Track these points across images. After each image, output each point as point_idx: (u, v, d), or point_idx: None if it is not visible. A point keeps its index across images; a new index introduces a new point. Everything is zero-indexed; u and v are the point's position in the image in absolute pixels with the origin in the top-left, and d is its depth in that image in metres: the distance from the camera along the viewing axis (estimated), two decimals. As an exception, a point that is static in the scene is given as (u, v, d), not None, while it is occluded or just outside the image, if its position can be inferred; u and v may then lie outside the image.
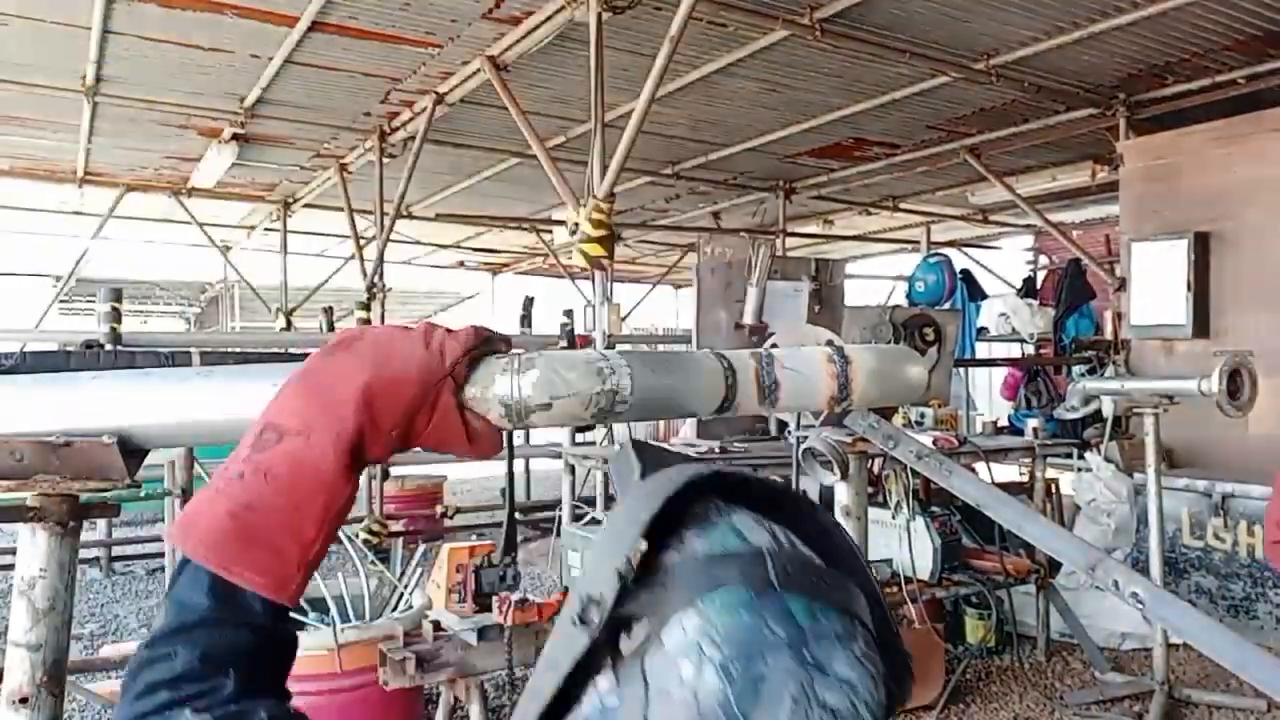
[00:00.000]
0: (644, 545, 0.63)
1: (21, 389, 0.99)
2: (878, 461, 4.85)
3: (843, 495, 1.80)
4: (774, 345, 1.19)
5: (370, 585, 3.40)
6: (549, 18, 4.64)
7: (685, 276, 14.28)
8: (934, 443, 4.58)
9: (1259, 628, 4.59)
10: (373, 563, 3.99)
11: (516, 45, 4.98)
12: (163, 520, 6.10)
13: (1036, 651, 4.73)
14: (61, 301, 11.20)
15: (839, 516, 1.83)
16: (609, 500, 5.18)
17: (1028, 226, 11.18)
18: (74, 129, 6.76)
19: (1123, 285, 6.02)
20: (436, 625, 3.03)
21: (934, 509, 5.03)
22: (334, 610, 3.20)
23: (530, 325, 8.78)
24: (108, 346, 4.12)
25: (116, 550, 7.22)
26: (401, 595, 3.48)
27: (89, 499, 1.00)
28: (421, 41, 5.13)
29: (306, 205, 9.26)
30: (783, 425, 4.84)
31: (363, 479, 6.69)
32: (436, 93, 5.87)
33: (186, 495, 2.74)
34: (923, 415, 5.34)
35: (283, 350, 7.38)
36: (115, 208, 8.79)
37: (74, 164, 7.92)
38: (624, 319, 9.48)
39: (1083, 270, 7.80)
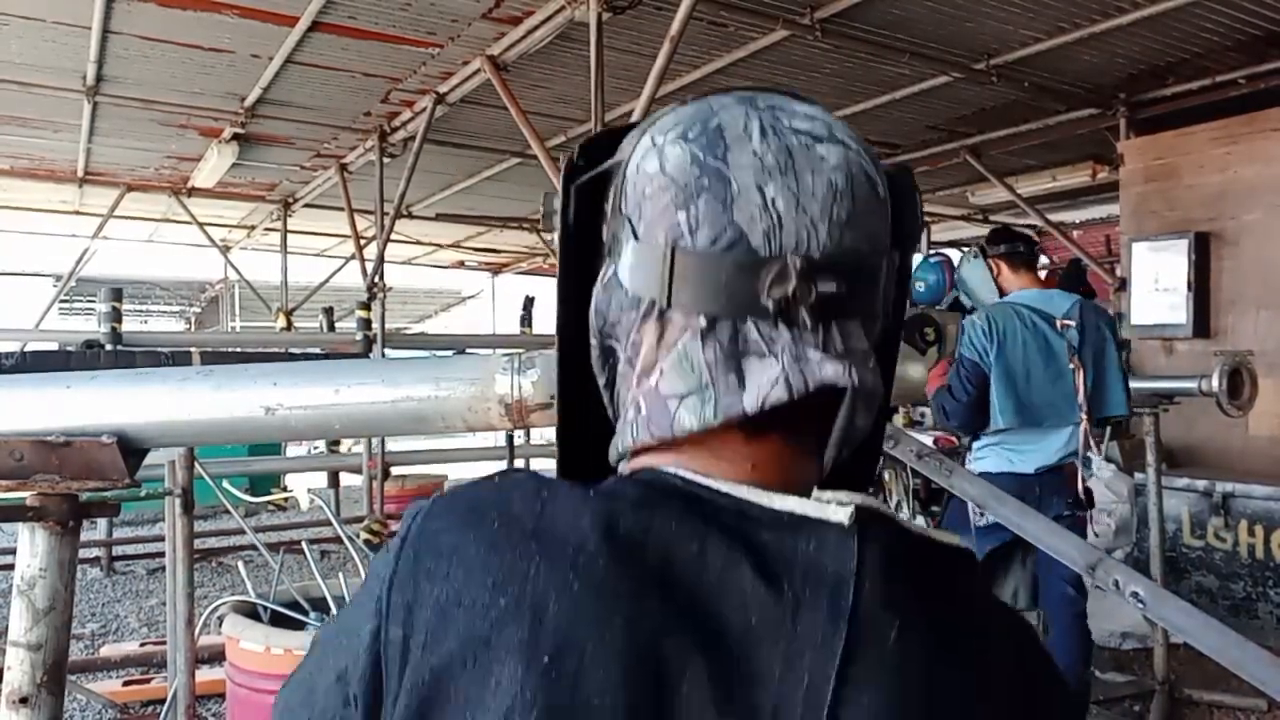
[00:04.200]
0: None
1: (21, 389, 0.99)
2: (878, 461, 4.85)
3: (843, 495, 1.81)
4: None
5: (370, 585, 3.40)
6: (549, 18, 4.63)
7: (685, 276, 14.26)
8: (934, 442, 4.58)
9: (1260, 627, 4.58)
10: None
11: (516, 45, 4.98)
12: (163, 520, 6.09)
13: (1037, 651, 4.73)
14: (61, 301, 11.20)
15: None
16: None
17: (1028, 227, 11.18)
18: (74, 129, 6.76)
19: (1123, 285, 6.01)
20: (437, 625, 3.03)
21: (934, 509, 5.03)
22: (334, 610, 3.20)
23: (530, 325, 8.78)
24: (108, 346, 4.12)
25: (116, 550, 7.21)
26: (402, 595, 3.48)
27: (89, 499, 1.00)
28: (421, 41, 5.12)
29: (306, 205, 9.26)
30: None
31: (363, 478, 6.61)
32: (436, 93, 5.87)
33: (187, 495, 2.73)
34: (923, 415, 5.34)
35: (283, 350, 7.39)
36: (115, 208, 8.80)
37: (74, 164, 7.92)
38: (624, 319, 9.46)
39: (1083, 270, 7.78)
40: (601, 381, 0.70)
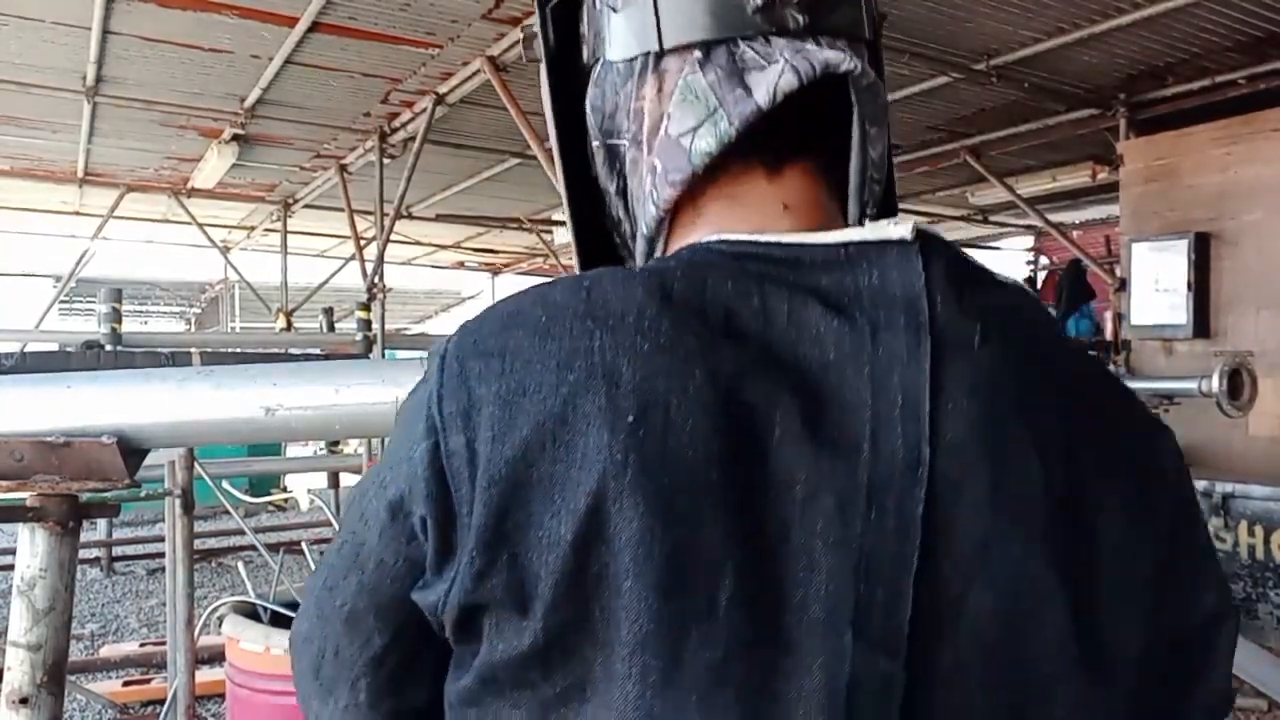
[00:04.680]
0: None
1: (21, 389, 0.99)
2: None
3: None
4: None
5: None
6: (549, 18, 4.63)
7: (685, 277, 14.25)
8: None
9: (1259, 628, 4.58)
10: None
11: (516, 45, 4.98)
12: (163, 520, 6.10)
13: (1037, 652, 4.73)
14: (61, 302, 11.20)
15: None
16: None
17: (1028, 227, 11.18)
18: (74, 129, 6.76)
19: (1123, 285, 6.01)
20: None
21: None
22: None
23: (530, 325, 8.78)
24: (108, 347, 4.12)
25: (116, 550, 7.22)
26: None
27: (89, 499, 1.00)
28: (421, 42, 5.12)
29: (306, 206, 9.26)
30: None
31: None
32: (436, 93, 5.87)
33: (187, 495, 2.73)
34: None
35: (283, 350, 7.39)
36: (115, 208, 8.80)
37: (74, 164, 7.91)
38: (624, 319, 9.46)
39: (1083, 270, 7.80)
40: (613, 189, 0.69)
